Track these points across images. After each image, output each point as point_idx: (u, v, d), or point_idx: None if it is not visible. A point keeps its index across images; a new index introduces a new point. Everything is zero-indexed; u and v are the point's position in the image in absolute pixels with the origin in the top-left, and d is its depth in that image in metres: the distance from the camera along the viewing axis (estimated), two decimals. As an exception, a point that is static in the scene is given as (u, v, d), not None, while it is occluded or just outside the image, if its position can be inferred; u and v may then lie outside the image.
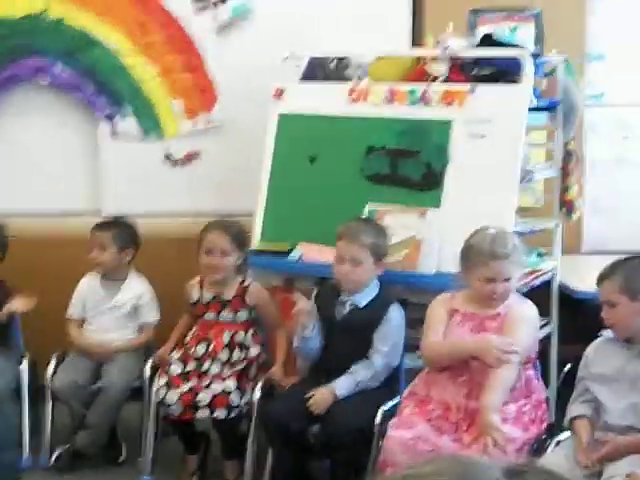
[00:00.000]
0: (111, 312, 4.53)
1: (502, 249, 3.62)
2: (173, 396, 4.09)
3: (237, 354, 4.24)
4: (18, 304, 4.44)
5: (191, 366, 4.23)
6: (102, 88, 5.06)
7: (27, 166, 5.14)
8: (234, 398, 4.08)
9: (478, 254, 3.64)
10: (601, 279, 3.47)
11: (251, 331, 4.30)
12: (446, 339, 3.70)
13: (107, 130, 5.11)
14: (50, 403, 4.38)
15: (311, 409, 3.84)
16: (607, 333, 3.53)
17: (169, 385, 4.13)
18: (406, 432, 3.54)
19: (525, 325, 3.68)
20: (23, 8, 4.96)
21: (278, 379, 4.18)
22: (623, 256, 3.55)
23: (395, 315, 3.95)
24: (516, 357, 3.54)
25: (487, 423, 3.40)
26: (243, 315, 4.30)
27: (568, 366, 4.50)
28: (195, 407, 4.06)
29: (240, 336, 4.28)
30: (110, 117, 5.10)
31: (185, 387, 4.11)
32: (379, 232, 4.02)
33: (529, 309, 3.73)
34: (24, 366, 4.43)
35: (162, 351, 4.34)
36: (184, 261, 4.51)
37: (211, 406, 4.05)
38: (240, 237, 4.31)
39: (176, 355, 4.30)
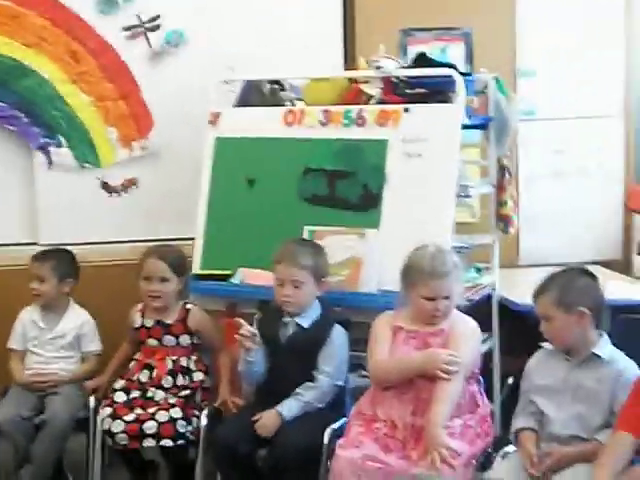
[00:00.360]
0: (53, 343, 4.49)
1: (441, 267, 3.66)
2: (119, 426, 4.06)
3: (181, 380, 4.23)
4: None
5: (135, 394, 4.21)
6: (36, 119, 5.03)
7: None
8: (180, 426, 4.06)
9: (418, 273, 3.68)
10: (536, 294, 3.52)
11: (194, 357, 4.30)
12: (391, 357, 3.72)
13: (42, 160, 5.08)
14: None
15: (258, 432, 3.84)
16: (547, 345, 3.58)
17: (114, 415, 4.10)
18: (354, 451, 3.55)
19: (468, 340, 3.72)
20: (-48, 40, 4.92)
21: (225, 401, 4.17)
22: (556, 270, 3.61)
23: (338, 335, 3.96)
24: (461, 370, 3.57)
25: (434, 439, 3.44)
26: (185, 340, 4.30)
27: (511, 379, 4.54)
28: (141, 436, 4.03)
29: (183, 361, 4.27)
30: (45, 147, 5.07)
31: (130, 417, 4.08)
32: (318, 252, 4.04)
33: (471, 324, 3.78)
34: (-35, 402, 4.38)
35: (99, 381, 4.31)
36: (124, 289, 4.49)
37: (158, 435, 4.03)
38: (179, 263, 4.31)
39: (119, 384, 4.27)
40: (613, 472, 3.16)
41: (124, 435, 4.04)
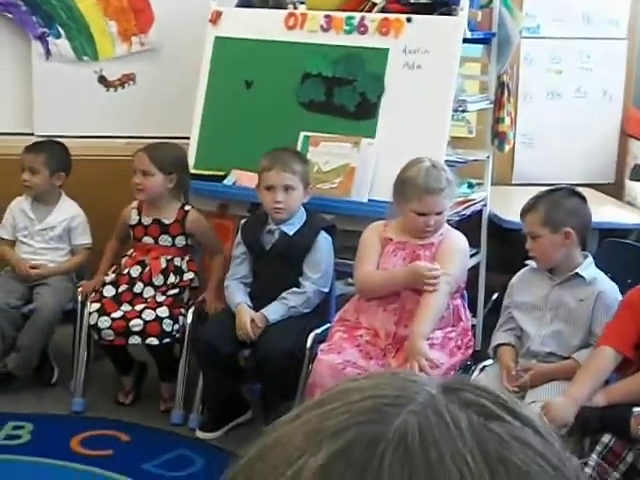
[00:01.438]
0: (42, 235, 4.51)
1: (436, 184, 3.64)
2: (105, 322, 4.10)
3: (172, 278, 4.26)
4: None
5: (124, 288, 4.24)
6: (35, 7, 4.98)
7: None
8: (166, 325, 4.10)
9: (412, 188, 3.66)
10: (524, 212, 3.54)
11: (187, 257, 4.32)
12: (380, 268, 3.75)
13: (40, 51, 5.04)
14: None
15: (241, 336, 3.89)
16: (532, 263, 3.60)
17: (101, 311, 4.14)
18: (335, 356, 3.61)
19: (457, 255, 3.75)
20: None
21: (209, 302, 4.21)
22: (546, 189, 3.62)
23: (323, 242, 3.98)
24: (446, 284, 3.61)
25: (414, 349, 3.49)
26: (181, 241, 4.31)
27: (495, 295, 4.60)
28: (128, 333, 4.08)
29: (177, 261, 4.29)
30: (43, 37, 5.02)
31: (117, 314, 4.12)
32: (304, 160, 4.06)
33: (461, 239, 3.80)
34: (-46, 287, 4.42)
35: (93, 283, 4.31)
36: (117, 184, 4.50)
37: (143, 333, 4.08)
38: (165, 159, 4.24)
39: (109, 277, 4.30)
40: (591, 388, 3.21)
41: (110, 331, 4.09)
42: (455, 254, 3.73)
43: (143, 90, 5.13)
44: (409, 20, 4.19)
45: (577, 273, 3.48)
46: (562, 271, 3.52)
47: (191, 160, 4.53)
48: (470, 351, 3.76)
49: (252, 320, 3.87)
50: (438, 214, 3.69)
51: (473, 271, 4.48)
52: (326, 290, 4.01)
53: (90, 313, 4.14)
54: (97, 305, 4.16)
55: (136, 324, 4.07)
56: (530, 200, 3.54)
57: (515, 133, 4.84)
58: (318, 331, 3.87)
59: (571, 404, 3.18)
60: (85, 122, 5.10)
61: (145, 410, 4.28)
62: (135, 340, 4.08)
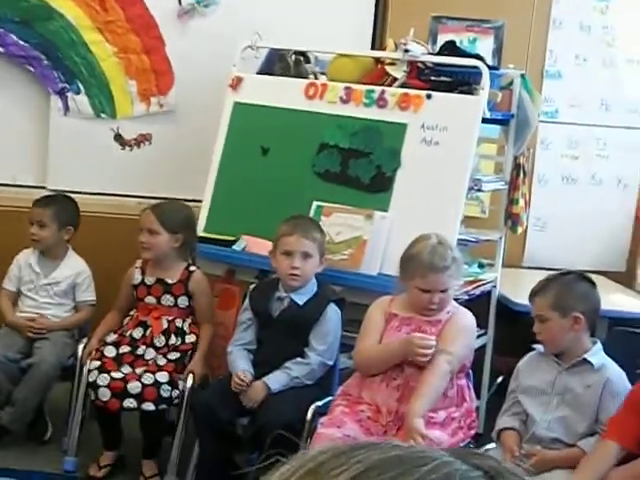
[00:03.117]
0: (47, 289, 4.47)
1: (441, 262, 3.61)
2: (104, 380, 4.04)
3: (173, 340, 4.21)
4: None
5: (125, 349, 4.18)
6: (57, 62, 5.01)
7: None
8: (164, 391, 4.03)
9: (416, 265, 3.63)
10: (533, 294, 3.50)
11: (189, 319, 4.27)
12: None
13: (59, 105, 5.06)
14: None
15: (243, 401, 3.83)
16: (539, 347, 3.56)
17: (101, 369, 4.08)
18: (335, 431, 3.54)
19: (462, 334, 3.69)
20: (-17, -26, 4.90)
21: (198, 373, 4.13)
22: (556, 272, 3.59)
23: (332, 315, 3.94)
24: (447, 362, 3.55)
25: (411, 427, 3.42)
26: (184, 301, 4.27)
27: (500, 378, 4.53)
28: (124, 396, 4.00)
29: (178, 322, 4.24)
30: (63, 92, 5.04)
31: (117, 374, 4.05)
32: (322, 230, 4.04)
33: (468, 318, 3.75)
34: (-46, 337, 4.37)
35: (88, 349, 4.22)
36: (126, 243, 4.47)
37: (140, 397, 4.00)
38: (172, 219, 4.22)
39: (111, 338, 4.25)
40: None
41: (107, 391, 4.01)
42: (460, 333, 3.68)
43: (158, 151, 5.14)
44: (429, 97, 4.19)
45: (585, 359, 3.44)
46: (570, 356, 3.47)
47: (202, 223, 4.51)
48: (472, 432, 3.69)
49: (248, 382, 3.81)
50: (443, 292, 3.65)
51: (479, 352, 4.43)
52: (331, 363, 3.95)
53: (90, 370, 4.08)
54: (97, 363, 4.10)
55: (134, 386, 4.00)
56: (540, 282, 3.51)
57: (528, 216, 4.82)
58: (319, 404, 3.80)
59: None
60: (98, 179, 5.10)
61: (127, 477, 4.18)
62: (130, 403, 3.99)
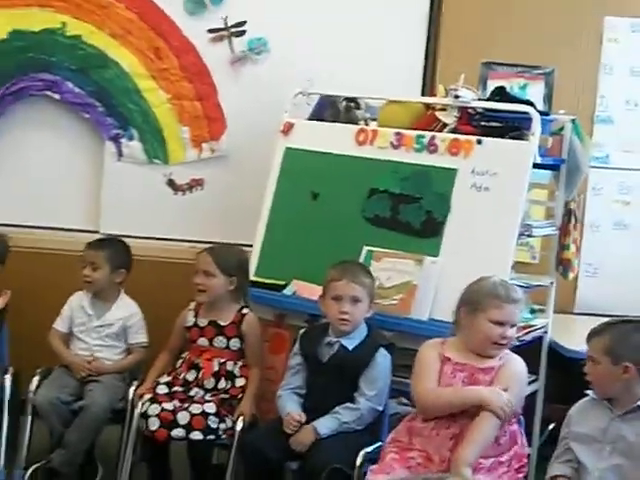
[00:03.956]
0: (99, 332, 4.51)
1: (515, 294, 3.66)
2: (155, 410, 4.06)
3: (222, 383, 4.23)
4: None
5: (177, 389, 4.22)
6: (111, 109, 5.09)
7: (30, 179, 5.16)
8: (212, 422, 4.05)
9: (490, 297, 3.64)
10: (591, 335, 3.46)
11: (240, 362, 4.29)
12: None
13: (113, 151, 5.13)
14: (30, 418, 4.34)
15: (292, 445, 3.82)
16: (592, 393, 3.51)
17: (153, 400, 4.12)
18: (385, 477, 3.51)
19: (516, 382, 3.67)
20: (42, 22, 4.99)
21: (247, 414, 4.14)
22: (619, 318, 3.55)
23: (382, 360, 3.93)
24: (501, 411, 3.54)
25: (459, 475, 3.39)
26: (236, 344, 4.29)
27: (552, 425, 4.48)
28: (172, 426, 4.02)
29: (229, 365, 4.27)
30: (117, 138, 5.12)
31: (169, 405, 4.08)
32: (371, 274, 4.06)
33: (521, 366, 3.72)
34: (8, 378, 4.41)
35: (140, 391, 4.25)
36: (178, 286, 4.50)
37: (188, 426, 4.02)
38: (228, 261, 4.28)
39: (164, 379, 4.29)
40: None
41: (156, 420, 4.03)
42: (513, 381, 3.66)
43: (210, 195, 5.19)
44: (479, 142, 4.20)
45: (639, 406, 3.38)
46: (623, 403, 3.41)
47: (252, 268, 4.54)
48: (520, 475, 3.63)
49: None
50: (512, 327, 3.66)
51: (530, 399, 4.39)
52: (380, 408, 3.94)
53: (142, 403, 4.11)
54: (149, 395, 4.15)
55: (183, 416, 4.03)
56: (600, 325, 3.47)
57: (580, 261, 4.79)
58: (369, 449, 3.78)
59: None
60: (150, 223, 5.16)
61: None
62: (179, 432, 4.01)
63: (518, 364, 3.71)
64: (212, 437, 4.06)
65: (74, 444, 4.27)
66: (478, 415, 3.54)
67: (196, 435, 4.03)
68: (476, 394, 3.59)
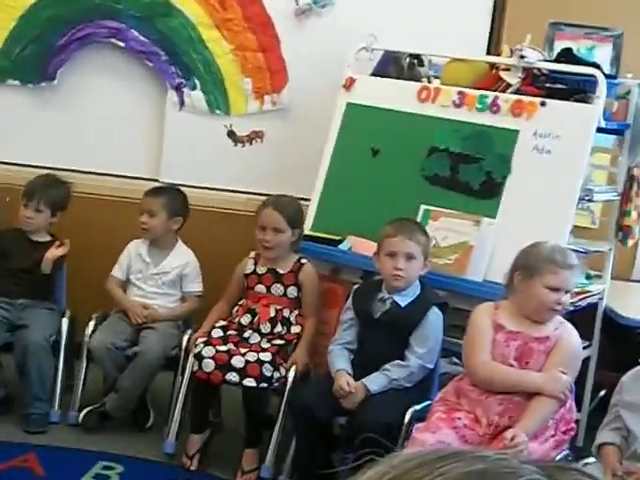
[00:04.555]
0: (155, 279, 4.56)
1: (571, 260, 3.62)
2: (209, 352, 4.11)
3: (279, 328, 4.26)
4: (51, 252, 4.51)
5: (232, 332, 4.27)
6: (174, 58, 5.09)
7: (93, 126, 5.19)
8: (267, 370, 4.08)
9: (547, 262, 3.58)
10: None
11: (297, 311, 4.32)
12: (495, 359, 3.63)
13: (175, 100, 5.15)
14: (85, 362, 4.42)
15: (342, 403, 3.84)
16: (646, 363, 3.48)
17: (207, 342, 4.16)
18: (430, 436, 3.51)
19: (574, 360, 3.67)
20: (109, -30, 5.01)
21: (301, 364, 4.17)
22: None
23: (434, 318, 3.93)
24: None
25: (514, 437, 3.38)
26: (293, 292, 4.33)
27: (603, 392, 4.46)
28: (227, 369, 4.06)
29: (286, 312, 4.30)
30: (179, 88, 5.13)
31: (223, 347, 4.13)
32: (426, 233, 4.04)
33: (576, 340, 3.68)
34: (65, 322, 4.48)
35: (195, 336, 4.30)
36: (235, 237, 4.55)
37: (243, 372, 4.06)
38: (294, 215, 4.33)
39: (220, 323, 4.33)
40: None
41: (211, 361, 4.07)
42: (572, 359, 3.65)
43: (270, 148, 5.19)
44: (543, 104, 4.14)
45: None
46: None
47: (309, 222, 4.55)
48: (567, 437, 3.61)
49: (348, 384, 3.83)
50: (567, 292, 3.62)
51: (582, 365, 4.36)
52: (431, 366, 3.94)
53: (195, 345, 4.15)
54: (204, 338, 4.19)
55: (237, 361, 4.07)
56: None
57: (640, 228, 4.72)
58: (418, 407, 3.79)
59: None
60: (209, 174, 5.17)
61: (222, 464, 4.23)
62: (233, 377, 4.05)
63: (574, 338, 3.67)
64: (265, 385, 4.09)
65: (127, 389, 4.34)
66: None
67: (250, 382, 4.06)
68: (536, 382, 3.55)
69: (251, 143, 5.20)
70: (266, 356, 4.13)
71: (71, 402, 4.45)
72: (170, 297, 4.57)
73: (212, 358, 4.09)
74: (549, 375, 3.56)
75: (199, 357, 4.11)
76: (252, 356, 4.11)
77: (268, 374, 4.09)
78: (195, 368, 4.13)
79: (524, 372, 3.60)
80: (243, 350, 4.14)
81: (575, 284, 3.70)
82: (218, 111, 5.16)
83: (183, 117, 5.16)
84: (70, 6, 5.01)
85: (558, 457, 3.52)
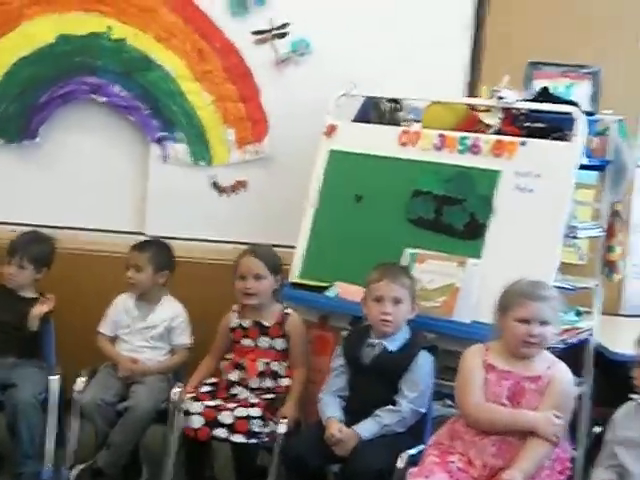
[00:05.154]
0: (143, 333, 4.54)
1: (541, 291, 3.62)
2: (197, 408, 4.09)
3: (268, 382, 4.24)
4: (37, 308, 4.49)
5: (221, 387, 4.25)
6: (156, 111, 5.13)
7: (76, 181, 5.21)
8: (255, 426, 4.06)
9: (515, 295, 3.63)
10: None
11: (285, 363, 4.31)
12: (487, 399, 3.62)
13: (158, 153, 5.17)
14: (77, 419, 4.38)
15: (334, 450, 3.81)
16: (637, 397, 3.47)
17: (195, 398, 4.15)
18: (423, 480, 3.50)
19: (567, 399, 3.66)
20: (88, 26, 5.04)
21: (291, 417, 4.14)
22: None
23: (424, 362, 3.92)
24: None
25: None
26: (280, 344, 4.32)
27: (599, 429, 4.43)
28: (215, 425, 4.04)
29: (274, 365, 4.29)
30: (162, 141, 5.15)
31: (211, 403, 4.11)
32: (411, 276, 4.06)
33: (568, 378, 3.67)
34: (55, 378, 4.45)
35: (188, 389, 4.29)
36: (221, 288, 4.52)
37: (231, 428, 4.04)
38: (274, 261, 4.35)
39: (210, 380, 4.32)
40: None
41: (199, 418, 4.06)
42: (564, 398, 3.64)
43: (254, 197, 5.20)
44: (523, 144, 4.17)
45: (684, 412, 3.34)
46: (669, 408, 3.37)
47: (296, 270, 4.56)
48: (563, 477, 3.59)
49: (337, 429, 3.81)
50: (542, 324, 3.60)
51: (575, 402, 4.35)
52: (423, 410, 3.92)
53: (184, 400, 4.13)
54: (193, 394, 4.17)
55: (226, 416, 4.05)
56: None
57: (626, 263, 4.73)
58: (411, 452, 3.76)
59: None
60: (195, 225, 5.19)
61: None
62: (222, 433, 4.03)
63: (566, 376, 3.66)
64: (254, 441, 4.07)
65: (119, 445, 4.30)
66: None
67: (238, 438, 4.04)
68: (530, 421, 3.53)
69: (235, 193, 5.22)
70: (255, 412, 4.10)
71: (63, 460, 4.41)
72: (159, 350, 4.56)
73: (200, 414, 4.06)
74: (543, 415, 3.55)
75: (187, 413, 4.09)
76: (241, 412, 4.09)
77: (257, 429, 4.07)
78: (183, 424, 4.10)
79: (518, 411, 3.59)
80: (231, 406, 4.12)
81: (554, 316, 3.65)
82: (201, 162, 5.19)
83: (167, 169, 5.19)
84: (51, 64, 5.05)
85: (555, 497, 3.51)
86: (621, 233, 4.49)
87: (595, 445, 4.03)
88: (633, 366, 3.46)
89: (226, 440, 4.06)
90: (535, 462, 3.49)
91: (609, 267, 4.50)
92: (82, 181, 5.20)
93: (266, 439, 4.09)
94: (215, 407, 4.10)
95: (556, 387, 3.61)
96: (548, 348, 3.78)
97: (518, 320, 3.60)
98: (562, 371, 3.66)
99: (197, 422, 4.07)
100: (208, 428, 4.06)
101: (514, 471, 3.42)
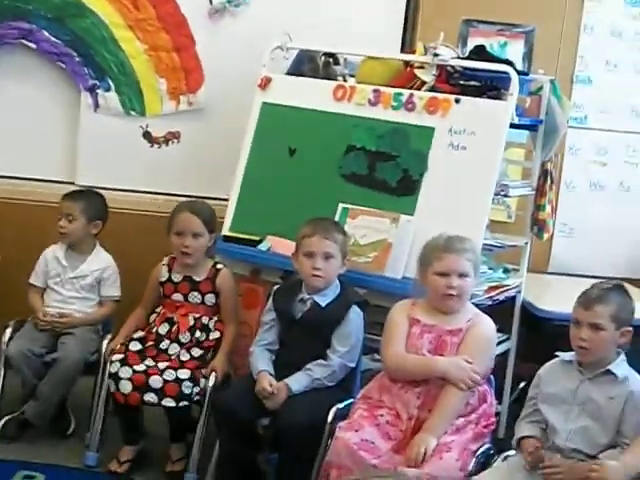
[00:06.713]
0: (73, 283, 4.50)
1: (458, 244, 3.70)
2: (126, 373, 4.06)
3: (198, 334, 4.23)
4: None
5: (150, 344, 4.22)
6: (88, 59, 5.04)
7: (5, 128, 5.10)
8: (186, 388, 4.04)
9: (433, 250, 3.73)
10: (593, 301, 3.40)
11: (215, 317, 4.29)
12: (408, 351, 3.69)
13: (89, 102, 5.09)
14: (2, 370, 4.34)
15: (265, 404, 3.83)
16: (564, 355, 3.53)
17: (124, 362, 4.10)
18: (352, 435, 3.53)
19: (485, 346, 3.72)
20: (17, -30, 4.93)
21: (220, 371, 4.14)
22: (606, 281, 3.56)
23: (355, 317, 3.94)
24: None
25: (422, 442, 3.46)
26: (211, 299, 4.30)
27: (523, 384, 4.52)
28: (145, 389, 4.02)
29: (205, 320, 4.27)
30: (93, 89, 5.07)
31: (140, 367, 4.08)
32: (344, 231, 4.06)
33: (489, 327, 3.74)
34: (-20, 330, 4.41)
35: (112, 345, 4.26)
36: (152, 239, 4.51)
37: (161, 392, 4.02)
38: (210, 219, 4.31)
39: (138, 334, 4.28)
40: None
41: (129, 383, 4.03)
42: (482, 345, 3.70)
43: (186, 149, 5.16)
44: (457, 101, 4.18)
45: (609, 370, 3.40)
46: (593, 366, 3.43)
47: (227, 223, 4.54)
48: (487, 431, 3.65)
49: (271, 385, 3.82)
50: (461, 276, 3.67)
51: (502, 358, 4.43)
52: (352, 365, 3.95)
53: (112, 362, 4.10)
54: (120, 356, 4.13)
55: (156, 381, 4.03)
56: (597, 291, 3.43)
57: (555, 222, 4.80)
58: (340, 406, 3.79)
59: (623, 470, 3.14)
60: (126, 176, 5.13)
61: (151, 470, 4.21)
62: (151, 398, 4.01)
63: (486, 326, 3.73)
64: (185, 403, 4.06)
65: (47, 396, 4.28)
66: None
67: (169, 402, 4.02)
68: (438, 366, 3.62)
69: (167, 144, 5.17)
70: (184, 373, 4.08)
71: (-11, 411, 4.38)
72: (88, 301, 4.52)
73: (129, 379, 4.04)
74: (453, 361, 3.62)
75: (116, 378, 4.06)
76: (170, 374, 4.05)
77: (187, 391, 4.05)
78: (113, 389, 4.08)
79: (429, 358, 3.66)
80: (162, 365, 4.09)
81: (473, 268, 3.70)
82: (133, 112, 5.12)
83: (98, 119, 5.11)
84: (-22, 7, 4.92)
85: (479, 450, 3.56)
86: (551, 192, 4.55)
87: (519, 400, 4.11)
88: (562, 327, 3.50)
89: (157, 404, 4.03)
90: (448, 413, 3.56)
91: (539, 226, 4.56)
92: (11, 128, 5.09)
93: (197, 397, 4.08)
94: (144, 372, 4.05)
95: (472, 336, 3.67)
96: (477, 306, 3.84)
97: (437, 274, 3.69)
98: (482, 321, 3.73)
99: (127, 387, 4.03)
100: (138, 393, 4.02)
101: (428, 436, 3.47)
